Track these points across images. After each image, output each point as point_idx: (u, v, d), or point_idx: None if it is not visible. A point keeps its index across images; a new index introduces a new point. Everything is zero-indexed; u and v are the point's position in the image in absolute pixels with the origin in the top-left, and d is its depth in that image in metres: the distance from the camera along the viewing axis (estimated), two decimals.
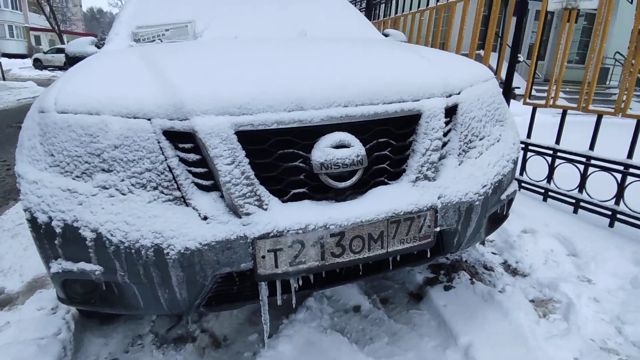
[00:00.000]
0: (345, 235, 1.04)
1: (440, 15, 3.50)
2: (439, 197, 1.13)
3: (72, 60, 1.91)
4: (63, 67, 18.01)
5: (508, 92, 2.76)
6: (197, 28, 2.00)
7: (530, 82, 2.69)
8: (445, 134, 1.22)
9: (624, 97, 2.15)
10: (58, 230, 0.96)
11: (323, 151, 1.02)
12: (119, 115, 0.99)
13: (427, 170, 1.14)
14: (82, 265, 0.99)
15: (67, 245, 0.98)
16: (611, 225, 2.21)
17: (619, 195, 2.17)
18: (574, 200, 2.41)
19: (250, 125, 0.99)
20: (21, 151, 1.06)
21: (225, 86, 1.04)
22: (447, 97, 1.22)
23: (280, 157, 1.04)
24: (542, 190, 2.61)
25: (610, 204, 2.21)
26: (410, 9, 3.89)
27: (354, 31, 2.22)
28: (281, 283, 1.07)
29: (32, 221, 0.98)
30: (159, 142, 0.98)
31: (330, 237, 1.02)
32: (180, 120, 0.98)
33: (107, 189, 0.98)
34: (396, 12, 4.23)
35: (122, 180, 0.98)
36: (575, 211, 2.40)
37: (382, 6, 4.73)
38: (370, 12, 5.08)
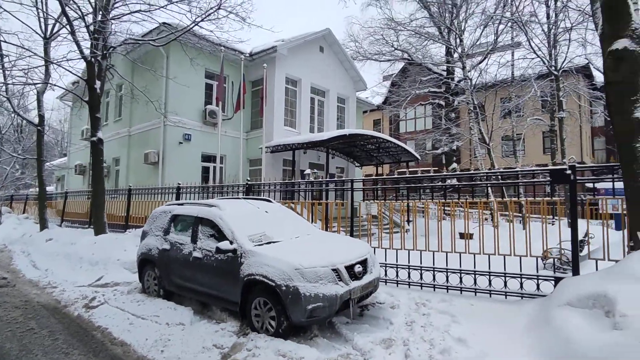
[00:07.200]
0: (364, 286, 4.77)
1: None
2: (378, 275, 5.06)
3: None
4: None
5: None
6: (269, 234, 5.38)
7: None
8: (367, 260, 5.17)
9: None
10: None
11: (357, 269, 4.78)
12: (319, 267, 4.47)
13: (372, 269, 5.05)
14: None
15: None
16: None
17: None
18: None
19: (346, 265, 4.68)
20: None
21: (337, 257, 4.70)
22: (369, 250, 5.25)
23: (350, 272, 4.72)
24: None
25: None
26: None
27: (309, 227, 6.06)
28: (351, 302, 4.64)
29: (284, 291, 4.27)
30: (332, 272, 4.50)
31: (361, 287, 4.73)
32: (335, 267, 4.55)
33: (321, 285, 4.40)
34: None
35: (325, 284, 4.42)
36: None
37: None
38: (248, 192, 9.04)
